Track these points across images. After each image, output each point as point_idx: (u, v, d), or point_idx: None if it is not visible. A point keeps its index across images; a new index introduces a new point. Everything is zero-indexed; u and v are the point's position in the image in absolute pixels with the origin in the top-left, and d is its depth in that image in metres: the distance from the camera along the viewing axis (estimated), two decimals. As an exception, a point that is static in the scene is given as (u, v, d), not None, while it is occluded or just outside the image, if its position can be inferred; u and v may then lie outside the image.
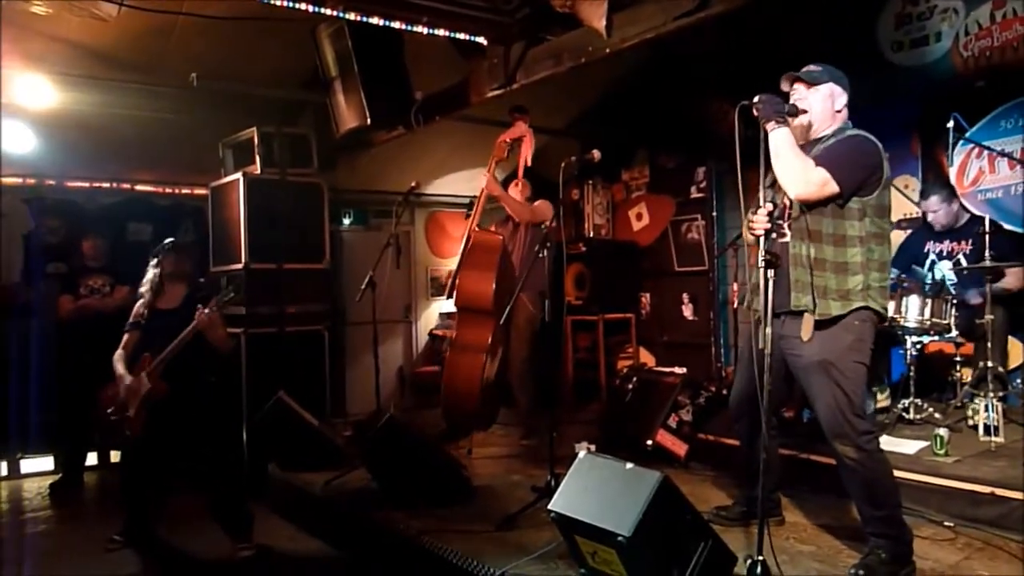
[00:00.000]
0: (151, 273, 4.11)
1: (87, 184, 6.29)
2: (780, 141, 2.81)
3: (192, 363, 3.93)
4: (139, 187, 6.51)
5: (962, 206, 4.95)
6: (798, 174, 2.80)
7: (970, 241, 4.68)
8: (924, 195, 4.88)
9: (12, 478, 5.60)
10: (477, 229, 5.10)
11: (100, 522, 4.31)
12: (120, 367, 3.98)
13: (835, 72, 3.00)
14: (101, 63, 5.28)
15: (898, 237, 4.92)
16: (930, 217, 4.83)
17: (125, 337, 4.07)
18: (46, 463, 5.66)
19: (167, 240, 4.28)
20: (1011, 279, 4.47)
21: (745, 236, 3.05)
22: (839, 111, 2.99)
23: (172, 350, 3.87)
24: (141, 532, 3.99)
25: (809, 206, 2.86)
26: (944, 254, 4.80)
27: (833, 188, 2.79)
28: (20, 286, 5.60)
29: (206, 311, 3.87)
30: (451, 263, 6.86)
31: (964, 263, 4.63)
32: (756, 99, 2.82)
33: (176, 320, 3.95)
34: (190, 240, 6.40)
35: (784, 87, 3.02)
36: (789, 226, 2.95)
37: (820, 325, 2.87)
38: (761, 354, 2.73)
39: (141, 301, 4.10)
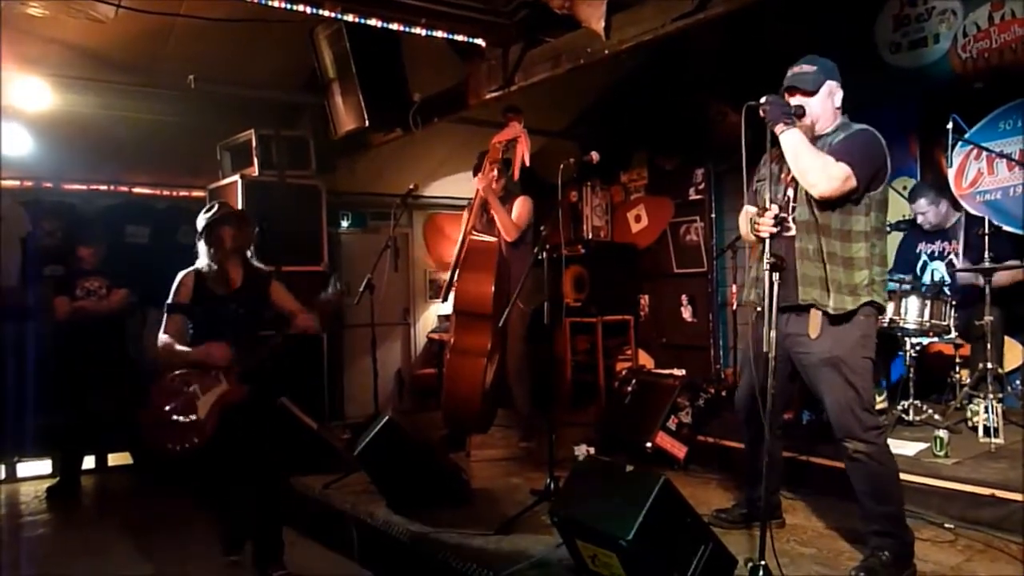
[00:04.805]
0: (204, 251, 3.54)
1: (84, 186, 6.28)
2: (795, 142, 2.79)
3: (269, 362, 3.60)
4: (137, 189, 6.50)
5: (952, 206, 4.95)
6: (820, 172, 2.77)
7: (961, 241, 4.67)
8: (912, 197, 4.88)
9: (9, 481, 5.59)
10: (474, 233, 5.04)
11: (98, 526, 4.29)
12: (181, 348, 3.43)
13: (827, 65, 2.97)
14: (98, 65, 5.26)
15: (894, 239, 4.91)
16: (919, 218, 4.84)
17: (166, 319, 3.50)
18: (43, 466, 5.65)
19: (215, 204, 3.63)
20: (1003, 276, 4.45)
21: (745, 235, 3.04)
22: (838, 107, 2.98)
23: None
24: (241, 539, 3.71)
25: (818, 201, 2.83)
26: (936, 254, 4.81)
27: (853, 183, 2.78)
28: (17, 289, 5.59)
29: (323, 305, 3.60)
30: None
31: (956, 263, 4.62)
32: (763, 100, 2.80)
33: (239, 305, 3.56)
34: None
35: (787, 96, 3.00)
36: (793, 220, 2.93)
37: (833, 321, 2.86)
38: (762, 355, 2.72)
39: (186, 286, 3.51)
